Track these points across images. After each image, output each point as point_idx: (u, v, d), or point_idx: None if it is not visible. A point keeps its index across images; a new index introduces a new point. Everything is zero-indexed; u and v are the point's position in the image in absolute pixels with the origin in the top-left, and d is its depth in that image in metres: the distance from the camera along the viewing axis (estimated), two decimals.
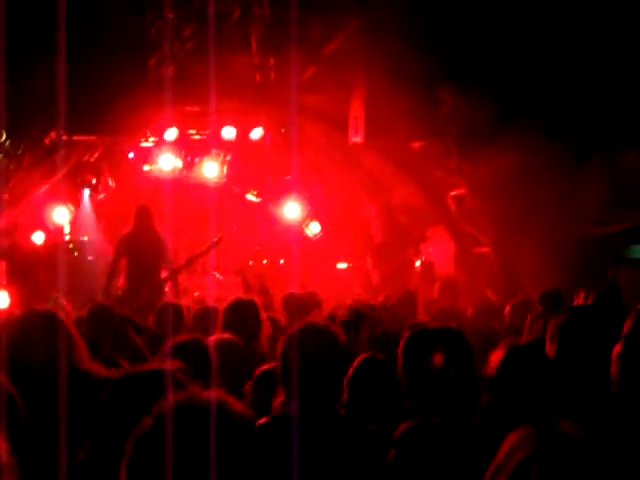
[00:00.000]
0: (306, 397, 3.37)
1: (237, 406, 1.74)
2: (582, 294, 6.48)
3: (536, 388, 3.09)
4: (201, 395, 1.75)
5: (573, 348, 3.91)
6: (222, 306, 5.76)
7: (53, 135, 10.70)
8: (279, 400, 3.52)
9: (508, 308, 7.66)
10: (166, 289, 10.25)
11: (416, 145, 12.57)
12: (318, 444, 3.29)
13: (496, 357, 3.28)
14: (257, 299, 5.83)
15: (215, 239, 10.82)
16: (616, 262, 11.16)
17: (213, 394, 1.75)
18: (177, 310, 6.80)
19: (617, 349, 3.20)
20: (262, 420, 3.38)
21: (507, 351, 3.27)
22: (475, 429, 2.92)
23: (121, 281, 10.26)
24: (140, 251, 9.94)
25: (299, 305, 7.44)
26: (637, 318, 3.56)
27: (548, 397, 3.05)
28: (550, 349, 4.19)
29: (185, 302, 9.19)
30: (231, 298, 5.78)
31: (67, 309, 7.55)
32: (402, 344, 3.67)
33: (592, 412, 3.24)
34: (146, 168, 13.00)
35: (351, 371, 3.98)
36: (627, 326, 3.24)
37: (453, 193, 12.83)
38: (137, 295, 9.48)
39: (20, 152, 10.55)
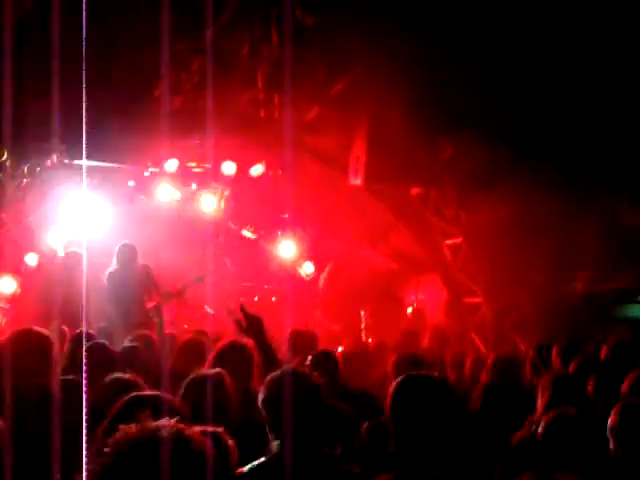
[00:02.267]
0: (295, 440, 3.49)
1: (194, 437, 1.70)
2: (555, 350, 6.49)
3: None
4: (157, 428, 1.71)
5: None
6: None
7: (54, 158, 10.73)
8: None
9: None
10: (155, 319, 10.33)
11: (414, 191, 12.61)
12: None
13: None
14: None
15: (200, 276, 10.90)
16: (606, 321, 11.16)
17: (168, 426, 1.72)
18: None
19: (611, 420, 3.18)
20: (261, 459, 3.56)
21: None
22: None
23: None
24: (123, 286, 10.14)
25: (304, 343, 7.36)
26: (633, 383, 3.54)
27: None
28: (541, 402, 4.21)
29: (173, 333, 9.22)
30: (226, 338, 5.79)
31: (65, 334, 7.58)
32: (392, 389, 3.64)
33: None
34: (147, 198, 13.00)
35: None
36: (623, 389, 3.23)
37: (449, 242, 12.85)
38: (121, 327, 9.63)
39: (20, 172, 10.57)
